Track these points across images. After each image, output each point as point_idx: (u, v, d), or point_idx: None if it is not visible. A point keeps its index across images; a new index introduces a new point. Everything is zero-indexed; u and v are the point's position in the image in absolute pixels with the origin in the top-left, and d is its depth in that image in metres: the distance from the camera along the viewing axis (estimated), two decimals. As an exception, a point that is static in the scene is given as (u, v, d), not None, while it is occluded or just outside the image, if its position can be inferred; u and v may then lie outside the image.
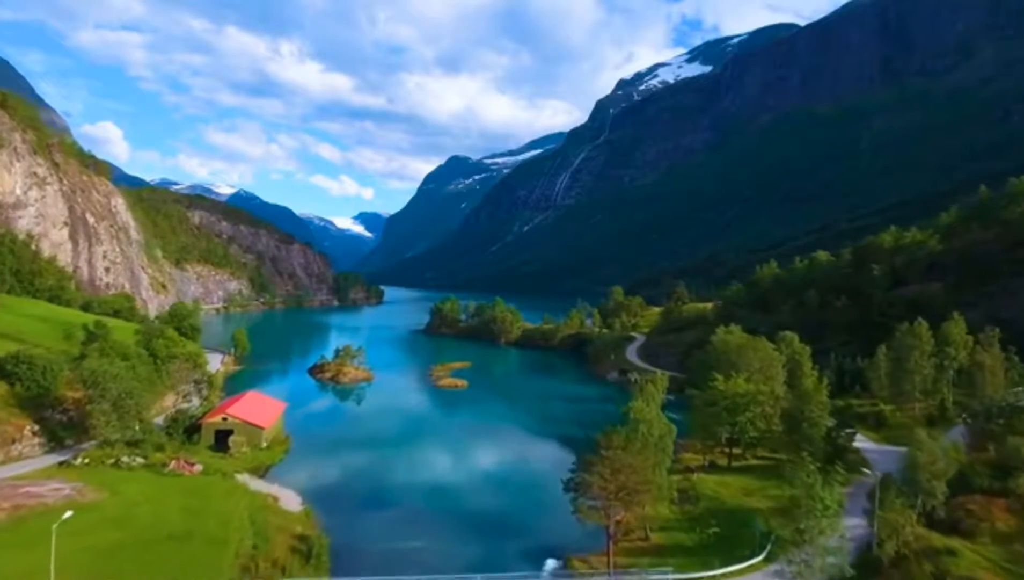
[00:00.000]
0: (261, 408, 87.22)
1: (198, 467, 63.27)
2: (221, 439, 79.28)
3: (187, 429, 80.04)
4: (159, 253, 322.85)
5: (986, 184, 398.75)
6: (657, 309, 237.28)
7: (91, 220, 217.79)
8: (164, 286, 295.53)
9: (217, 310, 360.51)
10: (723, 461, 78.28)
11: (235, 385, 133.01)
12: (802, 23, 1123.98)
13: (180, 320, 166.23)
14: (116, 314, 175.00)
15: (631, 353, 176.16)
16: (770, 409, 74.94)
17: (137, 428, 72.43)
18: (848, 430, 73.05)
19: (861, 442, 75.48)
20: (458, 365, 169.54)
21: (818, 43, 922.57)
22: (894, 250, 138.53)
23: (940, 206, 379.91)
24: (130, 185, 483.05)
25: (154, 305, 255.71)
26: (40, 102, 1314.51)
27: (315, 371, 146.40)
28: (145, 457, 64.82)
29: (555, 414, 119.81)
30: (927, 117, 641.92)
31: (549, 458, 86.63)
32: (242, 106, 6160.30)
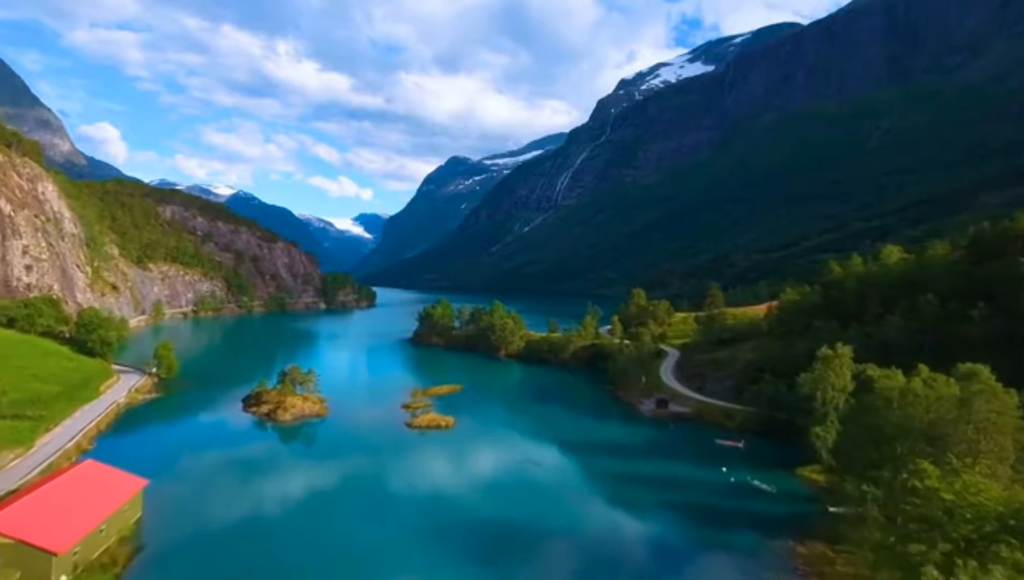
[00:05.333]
0: (78, 502, 49.75)
1: None
2: (-28, 575, 42.07)
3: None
4: (115, 250, 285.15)
5: (1006, 182, 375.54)
6: (684, 314, 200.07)
7: (7, 208, 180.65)
8: (115, 288, 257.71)
9: (185, 314, 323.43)
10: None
11: (129, 427, 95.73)
12: (803, 22, 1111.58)
13: (88, 331, 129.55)
14: (10, 324, 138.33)
15: (666, 373, 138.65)
16: None
17: None
18: None
19: None
20: (445, 389, 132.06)
21: (823, 41, 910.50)
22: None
23: (962, 205, 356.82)
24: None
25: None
26: (36, 101, 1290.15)
27: (250, 402, 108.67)
28: None
29: (585, 482, 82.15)
30: (938, 115, 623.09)
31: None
32: (239, 106, 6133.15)
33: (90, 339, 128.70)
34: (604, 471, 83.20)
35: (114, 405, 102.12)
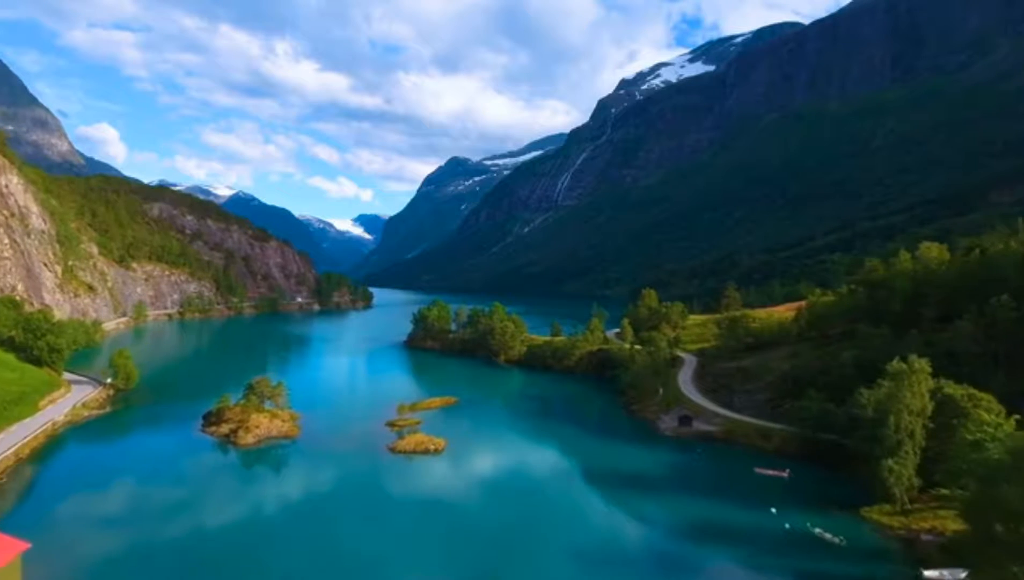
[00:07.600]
0: None
1: None
2: None
3: None
4: (93, 249, 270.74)
5: (1016, 181, 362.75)
6: (703, 318, 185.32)
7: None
8: (91, 288, 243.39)
9: (170, 316, 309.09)
10: None
11: (59, 453, 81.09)
12: (804, 21, 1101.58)
13: (35, 337, 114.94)
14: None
15: (685, 383, 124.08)
16: None
17: None
18: None
19: None
20: (438, 402, 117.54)
21: (826, 41, 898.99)
22: None
23: (969, 204, 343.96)
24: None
25: (66, 312, 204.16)
26: (33, 101, 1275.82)
27: (210, 420, 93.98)
28: None
29: (600, 525, 67.57)
30: (943, 114, 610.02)
31: None
32: (238, 106, 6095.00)
33: (36, 346, 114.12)
34: (623, 509, 68.57)
35: (49, 424, 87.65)
